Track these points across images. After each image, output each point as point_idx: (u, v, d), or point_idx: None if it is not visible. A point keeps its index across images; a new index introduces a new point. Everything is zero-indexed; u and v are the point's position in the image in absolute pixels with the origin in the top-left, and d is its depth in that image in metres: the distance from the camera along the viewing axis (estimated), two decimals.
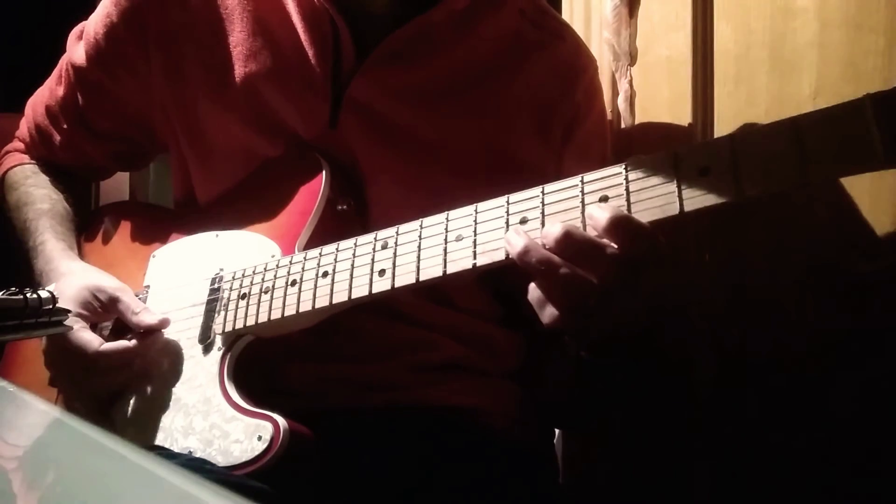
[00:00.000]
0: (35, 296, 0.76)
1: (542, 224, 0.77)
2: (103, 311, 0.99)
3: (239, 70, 1.00)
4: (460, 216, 0.82)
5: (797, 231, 0.95)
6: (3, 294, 0.74)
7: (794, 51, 0.95)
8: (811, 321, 0.93)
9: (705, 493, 1.03)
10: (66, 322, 0.82)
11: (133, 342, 0.96)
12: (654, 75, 1.11)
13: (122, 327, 1.00)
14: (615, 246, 0.73)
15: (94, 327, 1.00)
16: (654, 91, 1.11)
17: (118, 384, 0.97)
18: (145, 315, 0.97)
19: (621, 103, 1.15)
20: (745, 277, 1.00)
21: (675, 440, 1.07)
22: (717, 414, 1.02)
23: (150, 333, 0.96)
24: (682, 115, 1.07)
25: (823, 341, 0.92)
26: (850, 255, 0.90)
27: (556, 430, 1.17)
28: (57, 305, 0.78)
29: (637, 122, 1.14)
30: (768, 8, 0.98)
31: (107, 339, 0.98)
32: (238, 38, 1.01)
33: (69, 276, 1.01)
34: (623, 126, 1.15)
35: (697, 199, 0.70)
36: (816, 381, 0.93)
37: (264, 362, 0.94)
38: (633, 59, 1.14)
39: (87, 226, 1.15)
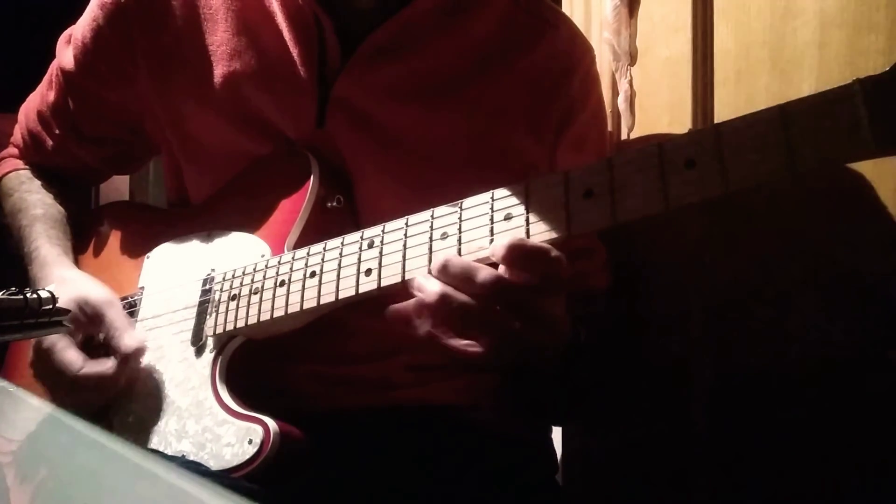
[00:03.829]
0: (35, 296, 0.75)
1: (527, 221, 0.76)
2: (88, 324, 0.97)
3: (223, 70, 0.99)
4: (445, 213, 0.81)
5: (803, 231, 0.94)
6: (3, 294, 0.73)
7: (794, 51, 0.94)
8: (817, 322, 0.92)
9: (704, 493, 1.02)
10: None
11: (111, 366, 0.93)
12: (654, 75, 1.10)
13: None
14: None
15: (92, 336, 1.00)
16: (654, 91, 1.10)
17: (104, 400, 0.95)
18: (125, 338, 0.94)
19: (621, 103, 1.14)
20: (747, 278, 0.99)
21: (675, 440, 1.06)
22: (716, 414, 1.01)
23: (129, 359, 0.94)
24: (682, 115, 1.06)
25: (828, 342, 0.91)
26: (863, 253, 0.89)
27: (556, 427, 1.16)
28: (57, 306, 0.78)
29: (637, 122, 1.13)
30: (768, 8, 0.97)
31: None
32: (222, 37, 1.00)
33: (60, 284, 0.99)
34: (623, 126, 1.14)
35: (684, 193, 0.68)
36: (819, 384, 0.92)
37: (260, 363, 0.94)
38: (633, 59, 1.13)
39: (83, 228, 1.15)
